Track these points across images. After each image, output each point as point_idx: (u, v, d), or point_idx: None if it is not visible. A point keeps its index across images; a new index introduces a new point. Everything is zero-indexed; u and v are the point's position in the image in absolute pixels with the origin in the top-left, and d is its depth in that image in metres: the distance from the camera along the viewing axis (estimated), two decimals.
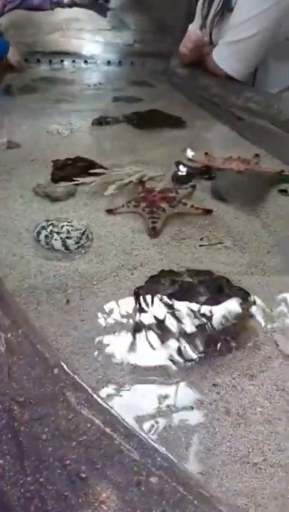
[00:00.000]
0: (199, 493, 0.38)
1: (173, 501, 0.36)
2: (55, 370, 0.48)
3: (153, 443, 0.43)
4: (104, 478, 0.38)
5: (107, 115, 1.81)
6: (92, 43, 3.14)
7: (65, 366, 0.50)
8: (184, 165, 1.31)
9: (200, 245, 0.95)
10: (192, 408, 0.61)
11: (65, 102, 2.09)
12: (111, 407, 0.47)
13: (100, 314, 0.76)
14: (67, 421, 0.42)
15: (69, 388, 0.46)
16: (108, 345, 0.70)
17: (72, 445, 0.40)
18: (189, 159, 1.35)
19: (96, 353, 0.69)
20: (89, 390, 0.47)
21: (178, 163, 1.31)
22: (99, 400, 0.47)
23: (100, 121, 1.75)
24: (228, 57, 1.90)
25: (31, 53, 3.02)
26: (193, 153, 1.43)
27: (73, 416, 0.43)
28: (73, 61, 3.09)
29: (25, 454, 0.40)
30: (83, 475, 0.38)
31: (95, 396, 0.47)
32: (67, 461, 0.39)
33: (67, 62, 3.08)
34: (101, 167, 1.26)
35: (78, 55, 3.11)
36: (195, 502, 0.36)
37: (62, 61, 3.08)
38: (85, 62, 3.10)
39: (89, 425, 0.42)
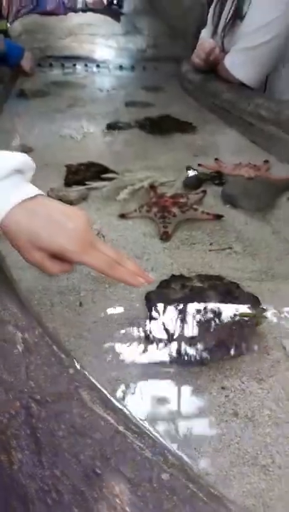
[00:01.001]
0: (209, 492, 0.39)
1: (183, 497, 0.38)
2: (70, 370, 0.50)
3: (164, 442, 0.45)
4: (117, 474, 0.39)
5: (119, 120, 1.84)
6: (104, 47, 3.17)
7: (79, 367, 0.52)
8: (195, 170, 1.33)
9: (210, 250, 0.97)
10: (200, 410, 0.62)
11: (78, 107, 2.11)
12: (123, 406, 0.49)
13: (111, 317, 0.78)
14: (82, 419, 0.44)
15: (84, 388, 0.47)
16: (119, 347, 0.72)
17: (87, 442, 0.42)
18: (199, 165, 1.37)
19: (107, 354, 0.71)
20: (102, 389, 0.49)
21: (188, 169, 1.33)
22: (112, 399, 0.48)
23: (112, 127, 1.77)
24: (240, 64, 1.91)
25: (44, 58, 3.06)
26: (204, 158, 1.45)
27: (88, 414, 0.44)
28: (85, 65, 3.11)
29: (42, 449, 0.41)
30: (98, 471, 0.39)
31: (108, 395, 0.49)
32: (82, 457, 0.41)
33: (79, 67, 3.10)
34: (113, 172, 1.28)
35: (91, 59, 3.14)
36: (205, 499, 0.38)
37: (74, 65, 3.11)
38: (98, 66, 3.12)
39: (103, 423, 0.44)
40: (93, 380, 0.50)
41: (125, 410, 0.48)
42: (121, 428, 0.44)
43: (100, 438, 0.42)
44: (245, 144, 1.65)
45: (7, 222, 0.58)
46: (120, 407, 0.48)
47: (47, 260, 0.60)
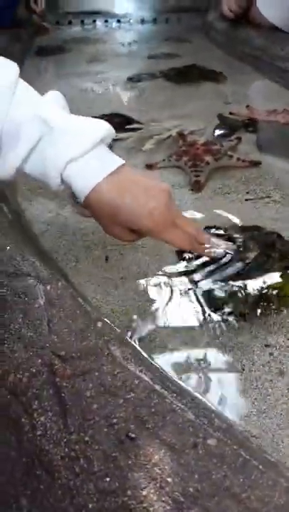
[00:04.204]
0: (265, 458, 0.33)
1: (235, 466, 0.32)
2: (99, 324, 0.44)
3: (208, 402, 0.39)
4: (156, 439, 0.34)
5: (143, 72, 1.74)
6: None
7: (108, 321, 0.47)
8: (227, 118, 1.24)
9: (246, 199, 0.89)
10: (243, 370, 0.57)
11: (99, 61, 2.02)
12: (159, 365, 0.43)
13: (140, 272, 0.72)
14: (113, 377, 0.38)
15: (114, 342, 0.42)
16: (151, 304, 0.66)
17: (120, 402, 0.36)
18: (231, 113, 1.27)
19: (138, 311, 0.65)
20: (136, 345, 0.43)
21: (220, 116, 1.24)
22: (146, 355, 0.42)
23: (136, 78, 1.68)
24: (272, 4, 1.79)
25: (63, 14, 2.94)
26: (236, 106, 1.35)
27: (119, 371, 0.39)
28: (106, 21, 2.97)
29: (68, 411, 0.36)
30: (132, 435, 0.34)
31: (142, 351, 0.43)
32: (114, 420, 0.35)
33: (99, 23, 2.97)
34: (138, 123, 1.21)
35: (111, 14, 3.00)
36: (260, 467, 0.32)
37: (94, 21, 2.97)
38: (118, 21, 2.98)
39: (137, 382, 0.38)
40: (125, 336, 0.44)
41: (162, 369, 0.42)
42: (157, 387, 0.38)
43: (134, 398, 0.37)
44: (278, 91, 1.54)
45: (92, 195, 0.56)
46: (156, 364, 0.42)
47: (125, 234, 0.61)
